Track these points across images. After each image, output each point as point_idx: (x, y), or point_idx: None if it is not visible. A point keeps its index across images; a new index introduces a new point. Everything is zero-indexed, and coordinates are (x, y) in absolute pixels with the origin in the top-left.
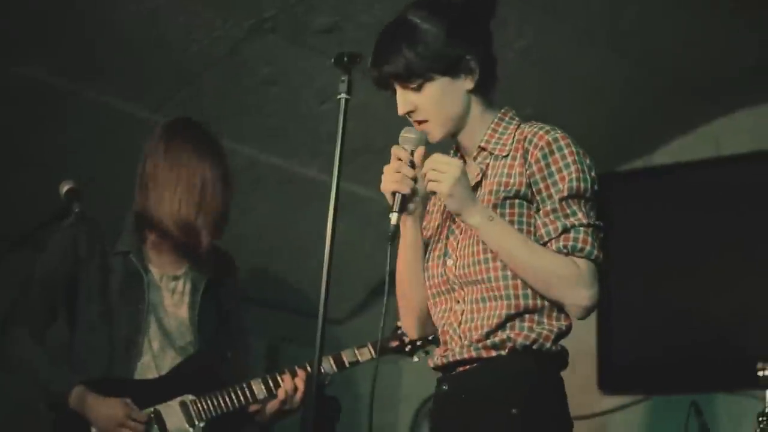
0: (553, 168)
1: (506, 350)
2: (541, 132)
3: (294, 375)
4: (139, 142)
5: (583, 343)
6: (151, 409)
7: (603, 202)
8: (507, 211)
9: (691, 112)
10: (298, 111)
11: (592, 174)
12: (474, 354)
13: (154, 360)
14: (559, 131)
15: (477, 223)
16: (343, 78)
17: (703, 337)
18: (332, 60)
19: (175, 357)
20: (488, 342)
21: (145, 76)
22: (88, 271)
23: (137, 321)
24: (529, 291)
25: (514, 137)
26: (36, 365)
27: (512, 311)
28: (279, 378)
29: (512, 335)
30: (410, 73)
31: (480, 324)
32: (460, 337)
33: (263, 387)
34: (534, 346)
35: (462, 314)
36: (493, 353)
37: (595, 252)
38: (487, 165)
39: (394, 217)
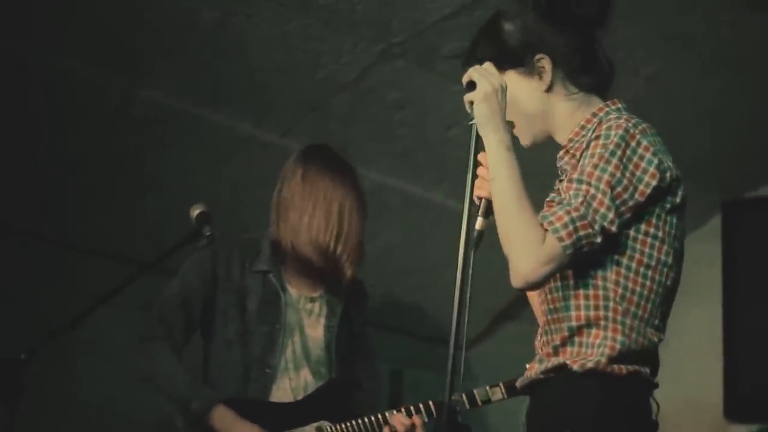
0: (589, 151)
1: (564, 373)
2: (610, 121)
3: (427, 409)
4: (265, 166)
5: (709, 370)
6: None
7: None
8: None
9: None
10: (425, 136)
11: (618, 167)
12: (541, 375)
13: (290, 382)
14: (630, 121)
15: (493, 142)
16: None
17: None
18: (464, 85)
19: (311, 380)
20: (550, 364)
21: (273, 100)
22: (227, 291)
23: (273, 341)
24: (591, 301)
25: (594, 133)
26: (177, 382)
27: (574, 323)
28: (412, 409)
29: (569, 360)
30: None
31: (549, 339)
32: (539, 351)
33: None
34: (591, 372)
35: (541, 327)
36: (553, 375)
37: (562, 233)
38: (566, 170)
39: (479, 222)
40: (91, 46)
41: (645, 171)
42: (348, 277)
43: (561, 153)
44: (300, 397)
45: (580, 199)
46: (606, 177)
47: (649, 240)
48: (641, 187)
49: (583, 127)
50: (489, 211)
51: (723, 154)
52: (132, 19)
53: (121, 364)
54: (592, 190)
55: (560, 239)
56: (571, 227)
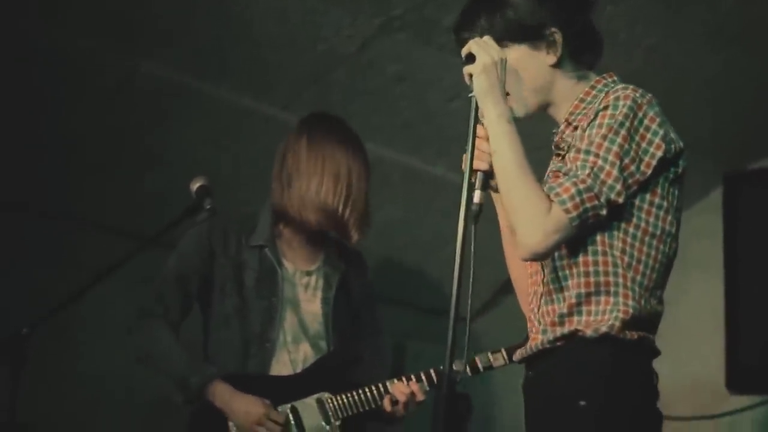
0: (597, 121)
1: (575, 341)
2: (618, 92)
3: (429, 378)
4: (266, 140)
5: (711, 342)
6: (288, 406)
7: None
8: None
9: None
10: (425, 109)
11: (627, 138)
12: (548, 345)
13: (289, 355)
14: (637, 92)
15: (493, 116)
16: None
17: None
18: (463, 57)
19: (310, 352)
20: (558, 332)
21: (273, 73)
22: (223, 266)
23: (271, 315)
24: (600, 267)
25: (601, 103)
26: (175, 358)
27: (582, 290)
28: (413, 378)
29: (581, 327)
30: None
31: (552, 308)
32: (539, 322)
33: None
34: (605, 337)
35: (540, 297)
36: (562, 344)
37: (569, 205)
38: (569, 142)
39: (476, 195)
40: (92, 21)
41: (651, 142)
42: (354, 241)
43: (562, 127)
44: (299, 370)
45: (587, 171)
46: (615, 148)
47: (654, 210)
48: (647, 158)
49: (582, 100)
50: (486, 184)
51: (725, 126)
52: None
53: (122, 338)
54: (600, 162)
55: (567, 210)
56: (577, 198)
